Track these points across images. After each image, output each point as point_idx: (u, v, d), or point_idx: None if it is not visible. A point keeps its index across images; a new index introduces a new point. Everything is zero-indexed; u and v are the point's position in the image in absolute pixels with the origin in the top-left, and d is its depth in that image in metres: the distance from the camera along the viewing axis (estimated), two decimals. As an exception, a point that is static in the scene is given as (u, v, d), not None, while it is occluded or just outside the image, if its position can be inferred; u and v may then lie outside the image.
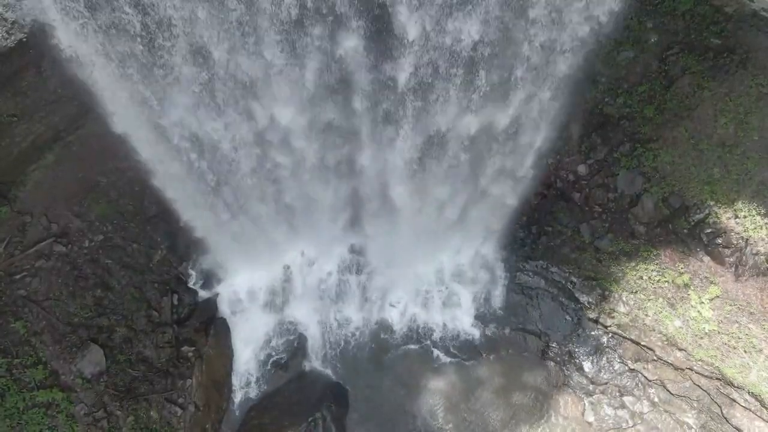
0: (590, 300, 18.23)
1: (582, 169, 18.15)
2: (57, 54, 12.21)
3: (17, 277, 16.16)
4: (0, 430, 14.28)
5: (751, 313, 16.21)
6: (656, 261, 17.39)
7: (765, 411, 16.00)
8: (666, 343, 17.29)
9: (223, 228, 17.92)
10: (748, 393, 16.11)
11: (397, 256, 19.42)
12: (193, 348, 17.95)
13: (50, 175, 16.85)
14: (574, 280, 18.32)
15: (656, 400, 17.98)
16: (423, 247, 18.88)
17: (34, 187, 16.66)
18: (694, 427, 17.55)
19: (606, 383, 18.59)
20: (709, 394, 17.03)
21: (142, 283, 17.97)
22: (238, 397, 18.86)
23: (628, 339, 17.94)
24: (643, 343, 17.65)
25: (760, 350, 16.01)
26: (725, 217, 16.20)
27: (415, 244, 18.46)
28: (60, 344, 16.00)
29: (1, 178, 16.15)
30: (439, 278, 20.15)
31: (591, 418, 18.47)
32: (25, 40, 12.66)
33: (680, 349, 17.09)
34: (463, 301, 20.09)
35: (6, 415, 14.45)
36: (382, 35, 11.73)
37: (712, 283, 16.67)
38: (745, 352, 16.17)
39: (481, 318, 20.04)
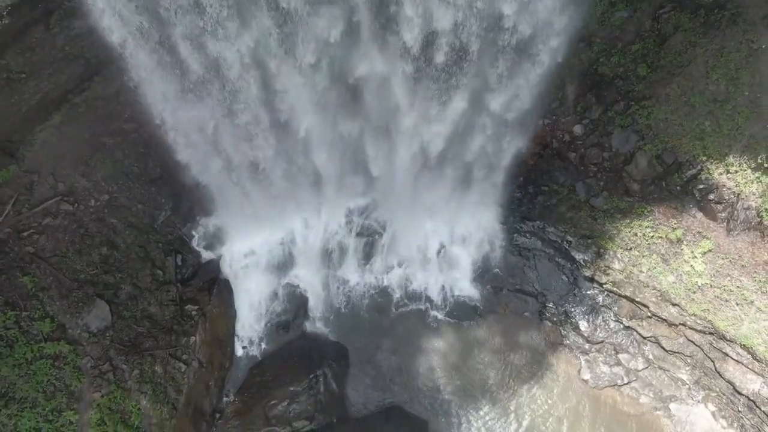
0: (586, 258, 18.58)
1: (578, 129, 18.51)
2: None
3: (25, 234, 16.50)
4: (9, 378, 14.61)
5: (742, 266, 16.55)
6: (650, 217, 17.74)
7: (756, 363, 16.32)
8: (660, 299, 17.62)
9: (228, 190, 18.31)
10: (740, 346, 16.43)
11: (399, 218, 19.79)
12: (196, 307, 18.29)
13: (57, 135, 17.23)
14: (570, 239, 18.66)
15: (651, 357, 18.33)
16: (423, 207, 19.21)
17: (42, 147, 17.03)
18: (688, 383, 17.91)
19: (602, 341, 18.94)
20: (702, 350, 17.36)
21: (146, 242, 18.34)
22: (240, 355, 19.28)
23: (623, 296, 18.29)
24: (637, 300, 17.98)
25: (752, 302, 16.33)
26: (717, 173, 16.54)
27: (416, 203, 18.79)
28: (67, 299, 16.31)
29: (10, 137, 16.54)
30: (438, 240, 20.48)
31: (587, 376, 18.82)
32: (34, -8, 13.06)
33: (674, 305, 17.42)
34: (462, 263, 20.46)
35: (15, 365, 14.76)
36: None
37: (704, 237, 17.02)
38: (737, 304, 16.50)
39: (479, 279, 20.43)
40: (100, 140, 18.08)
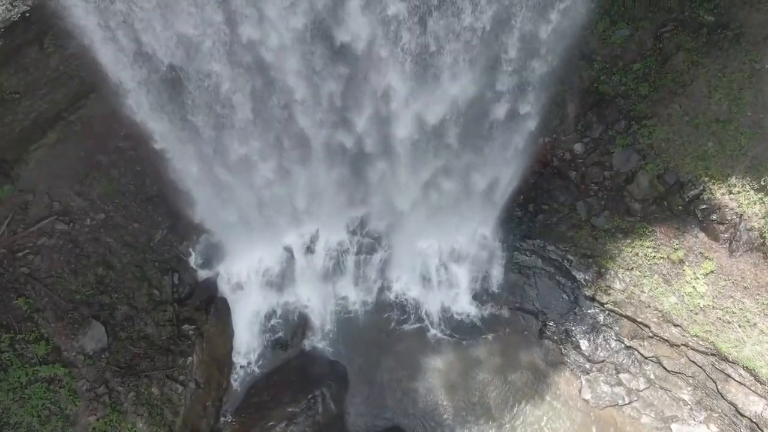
0: (586, 277, 18.43)
1: (578, 147, 18.37)
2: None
3: (20, 254, 16.32)
4: (3, 403, 14.42)
5: (745, 288, 16.39)
6: (651, 238, 17.59)
7: (759, 385, 16.17)
8: (661, 319, 17.47)
9: (224, 208, 18.14)
10: (743, 368, 16.28)
11: (398, 235, 19.62)
12: (193, 326, 18.11)
13: (52, 153, 17.05)
14: (571, 258, 18.51)
15: (652, 377, 18.16)
16: (423, 223, 19.05)
17: (36, 166, 16.85)
18: (690, 403, 17.74)
19: (603, 361, 18.76)
20: (704, 370, 17.21)
21: (142, 262, 18.14)
22: (238, 375, 19.05)
23: (624, 316, 18.13)
24: (639, 320, 17.83)
25: (754, 324, 16.18)
26: (719, 193, 16.39)
27: (415, 219, 18.63)
28: (62, 321, 16.13)
29: (4, 156, 16.35)
30: (437, 258, 20.31)
31: (588, 396, 18.65)
32: (28, 14, 12.86)
33: (676, 326, 17.26)
34: (461, 281, 20.30)
35: (9, 389, 14.58)
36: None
37: (706, 258, 16.86)
38: (740, 326, 16.34)
39: (479, 298, 20.26)
40: (96, 158, 17.91)
